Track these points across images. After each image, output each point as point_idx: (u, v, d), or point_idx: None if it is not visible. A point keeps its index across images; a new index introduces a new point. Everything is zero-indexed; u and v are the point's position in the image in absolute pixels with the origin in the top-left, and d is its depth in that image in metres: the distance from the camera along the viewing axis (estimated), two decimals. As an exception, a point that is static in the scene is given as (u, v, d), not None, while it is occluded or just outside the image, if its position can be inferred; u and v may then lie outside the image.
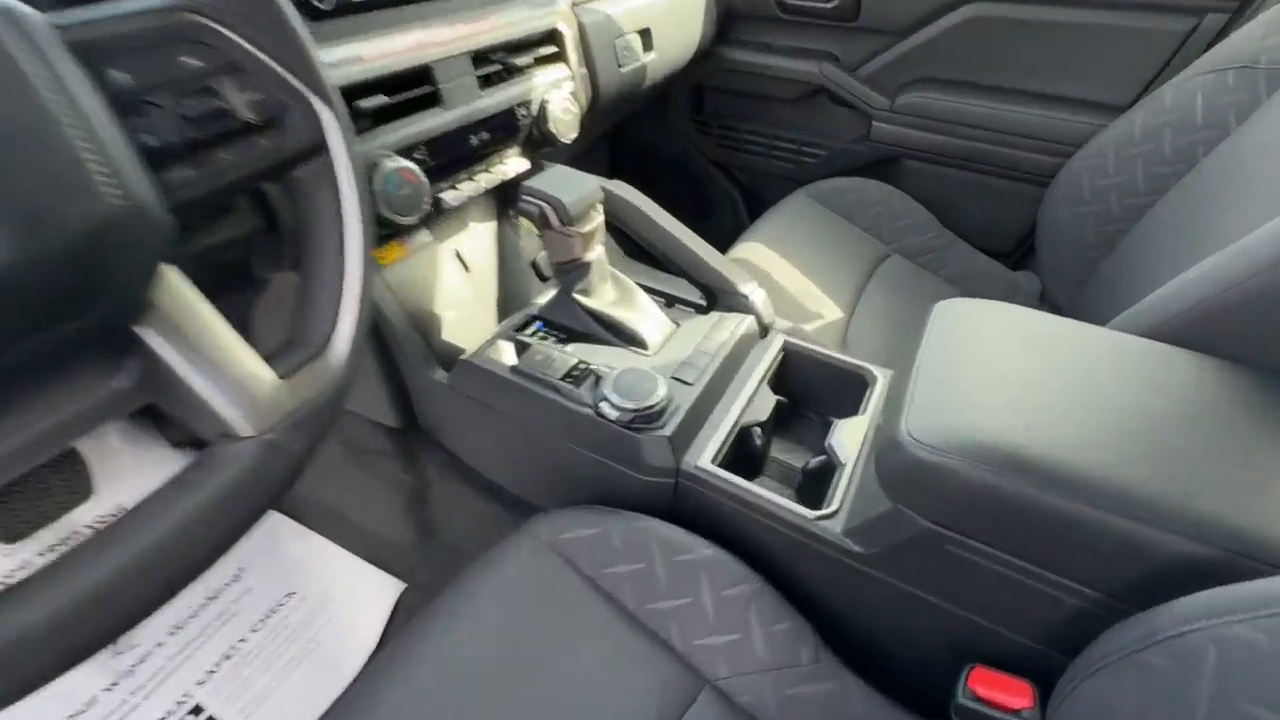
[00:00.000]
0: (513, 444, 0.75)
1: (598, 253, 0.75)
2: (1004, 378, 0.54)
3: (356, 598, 0.99)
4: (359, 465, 0.93)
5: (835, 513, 0.62)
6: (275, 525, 1.08)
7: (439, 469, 0.86)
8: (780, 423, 0.82)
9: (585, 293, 0.75)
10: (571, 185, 0.71)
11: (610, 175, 0.83)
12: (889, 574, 0.58)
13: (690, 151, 1.57)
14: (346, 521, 1.01)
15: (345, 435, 0.90)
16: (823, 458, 0.70)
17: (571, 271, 0.75)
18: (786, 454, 0.81)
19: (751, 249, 1.10)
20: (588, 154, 1.64)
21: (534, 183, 0.70)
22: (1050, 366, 0.55)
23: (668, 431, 0.65)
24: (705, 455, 0.66)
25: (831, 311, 1.04)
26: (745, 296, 0.81)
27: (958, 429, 0.50)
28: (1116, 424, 0.49)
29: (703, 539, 0.63)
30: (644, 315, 0.77)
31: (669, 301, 0.86)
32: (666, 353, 0.75)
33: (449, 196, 0.75)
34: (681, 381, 0.70)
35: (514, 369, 0.71)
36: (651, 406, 0.65)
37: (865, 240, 1.21)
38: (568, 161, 0.82)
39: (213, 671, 0.91)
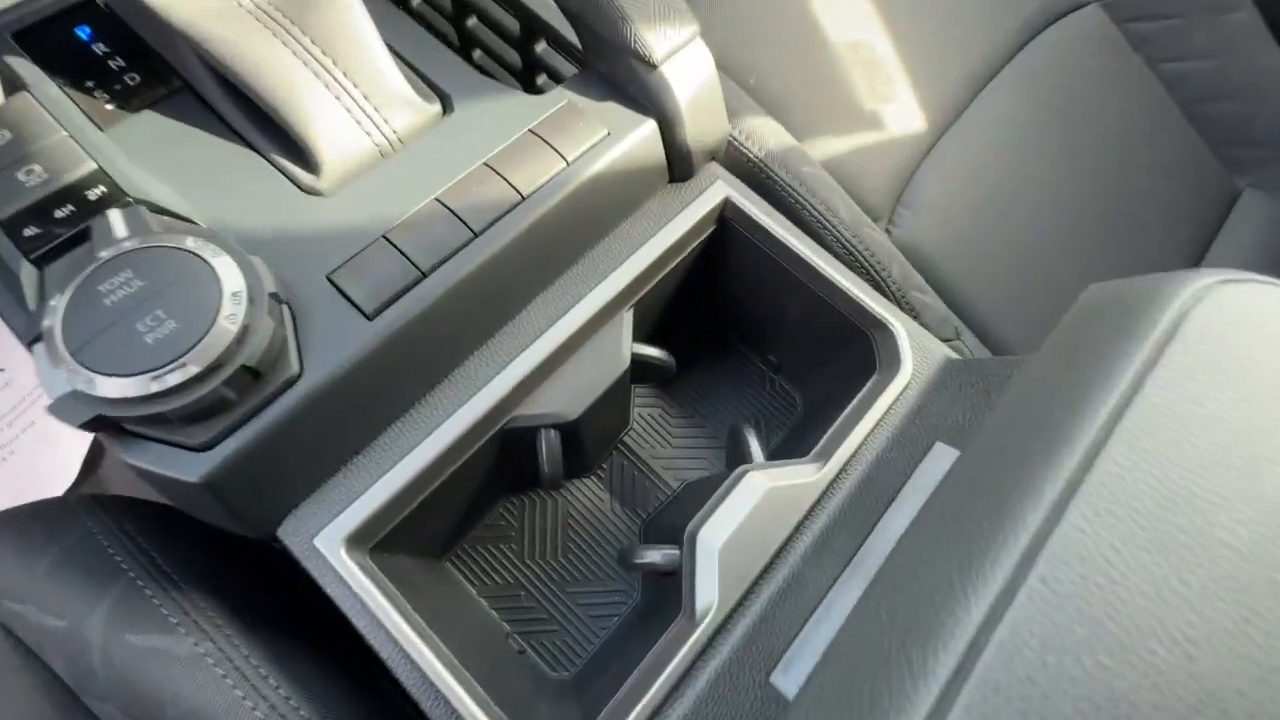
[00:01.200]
0: None
1: None
2: None
3: (66, 406, 0.70)
4: None
5: None
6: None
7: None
8: (685, 365, 0.39)
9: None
10: None
11: None
12: None
13: None
14: None
15: None
16: (670, 554, 0.29)
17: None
18: (674, 450, 0.39)
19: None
20: None
21: None
22: None
23: (201, 469, 0.23)
24: (348, 519, 0.25)
25: (904, 117, 0.50)
26: (649, 64, 0.30)
27: None
28: None
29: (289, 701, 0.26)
30: (333, 71, 0.28)
31: (526, 35, 0.35)
32: (367, 194, 0.28)
33: None
34: (346, 300, 0.26)
35: None
36: (159, 395, 0.22)
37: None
38: None
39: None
